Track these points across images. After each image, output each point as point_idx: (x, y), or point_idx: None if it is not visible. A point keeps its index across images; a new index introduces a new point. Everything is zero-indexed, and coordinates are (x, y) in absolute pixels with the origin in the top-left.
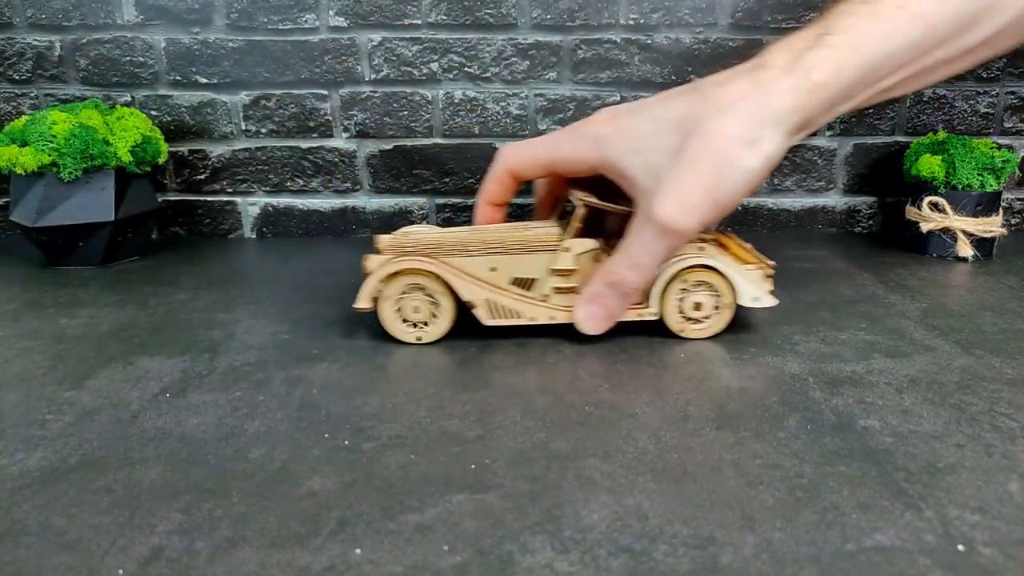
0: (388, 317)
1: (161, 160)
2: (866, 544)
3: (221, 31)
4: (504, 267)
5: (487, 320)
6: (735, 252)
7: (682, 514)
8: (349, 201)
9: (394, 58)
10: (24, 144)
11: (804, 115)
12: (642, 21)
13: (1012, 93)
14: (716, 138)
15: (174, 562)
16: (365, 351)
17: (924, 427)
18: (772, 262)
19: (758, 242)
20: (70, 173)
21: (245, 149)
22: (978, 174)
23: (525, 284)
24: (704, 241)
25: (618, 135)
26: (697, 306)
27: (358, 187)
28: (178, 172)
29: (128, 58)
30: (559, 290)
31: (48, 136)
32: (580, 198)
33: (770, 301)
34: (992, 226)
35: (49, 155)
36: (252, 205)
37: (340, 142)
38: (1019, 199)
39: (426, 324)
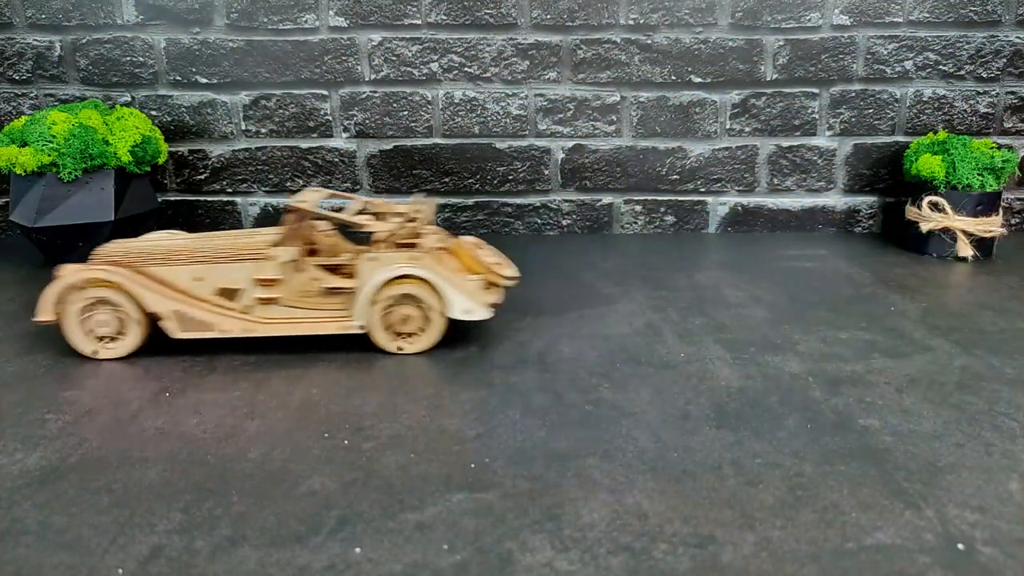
0: (71, 331)
1: (161, 160)
2: (866, 543)
3: (221, 31)
4: (210, 277)
5: (176, 333)
6: (465, 261)
7: (682, 513)
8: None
9: (394, 58)
10: (24, 144)
11: None
12: (642, 21)
13: (1012, 93)
14: None
15: (174, 561)
16: (365, 351)
17: (924, 426)
18: (508, 273)
19: (758, 242)
20: (70, 173)
21: (245, 149)
22: (978, 174)
23: (229, 294)
24: (427, 251)
25: None
26: (406, 319)
27: (358, 187)
28: (178, 172)
29: (128, 58)
30: (262, 301)
31: (48, 136)
32: (294, 202)
33: (483, 313)
34: (992, 226)
35: (49, 155)
36: (252, 205)
37: (340, 142)
38: (1019, 199)
39: (113, 339)
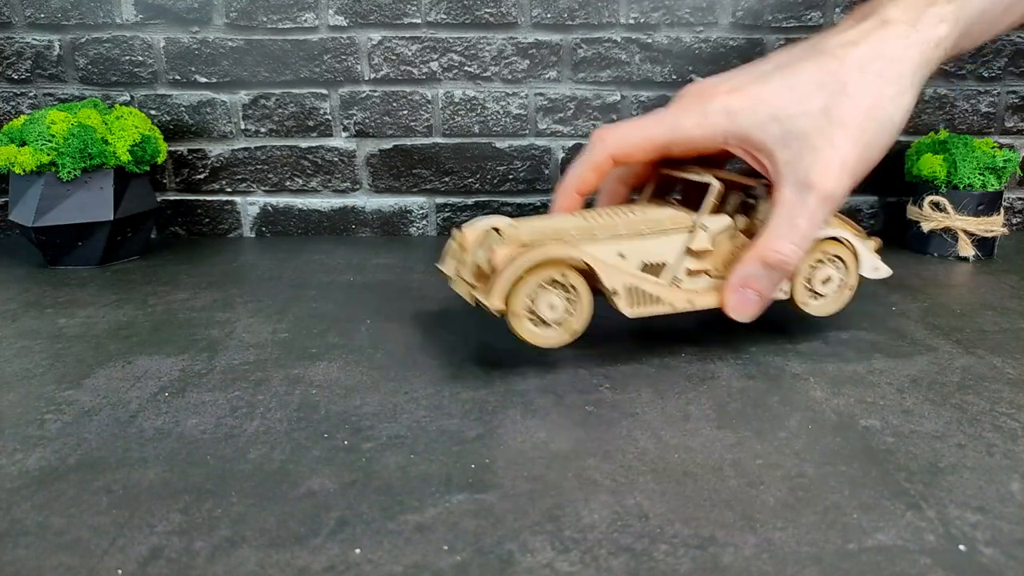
0: (516, 315)
1: (160, 159)
2: (867, 544)
3: (220, 30)
4: (633, 252)
5: (628, 310)
6: (842, 223)
7: (683, 514)
8: (349, 200)
9: (394, 57)
10: (23, 144)
11: (928, 68)
12: (642, 20)
13: (1013, 92)
14: (865, 98)
15: (173, 562)
16: (365, 351)
17: (925, 427)
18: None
19: None
20: (69, 172)
21: (244, 148)
22: (979, 173)
23: (654, 270)
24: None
25: (752, 105)
26: (827, 280)
27: (358, 186)
28: (177, 171)
29: (127, 57)
30: (690, 273)
31: (47, 136)
32: (714, 174)
33: (887, 271)
34: (993, 226)
35: (48, 155)
36: (251, 204)
37: (340, 141)
38: (1020, 199)
39: (558, 324)
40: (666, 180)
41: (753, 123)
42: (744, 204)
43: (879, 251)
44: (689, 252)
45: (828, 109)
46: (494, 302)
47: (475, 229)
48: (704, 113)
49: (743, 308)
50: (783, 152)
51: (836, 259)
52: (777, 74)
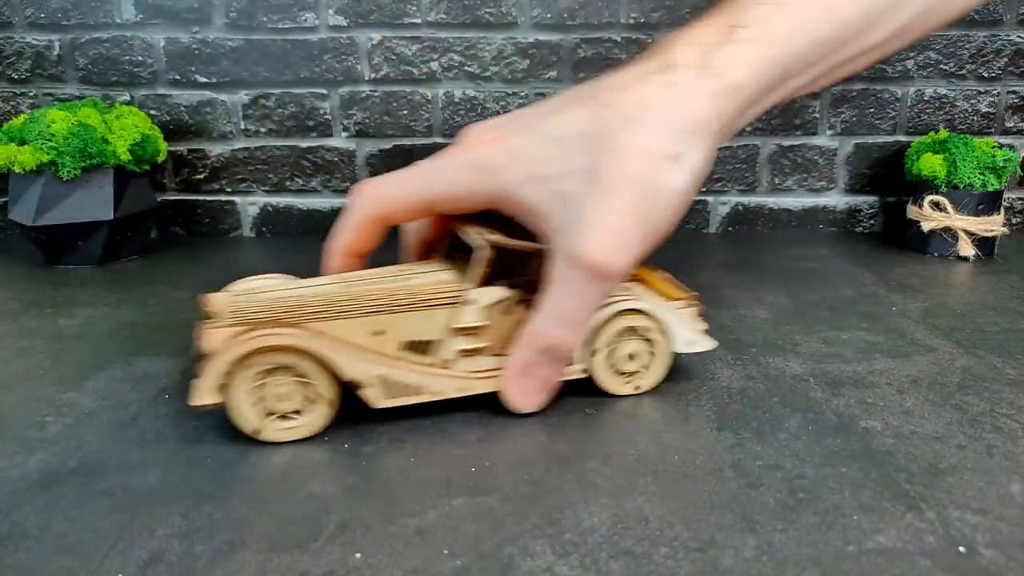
0: (242, 410)
1: (160, 159)
2: (867, 546)
3: (220, 30)
4: (393, 329)
5: (380, 402)
6: (658, 287)
7: (683, 516)
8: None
9: (394, 57)
10: (23, 143)
11: (723, 121)
12: (643, 20)
13: (1013, 92)
14: (633, 157)
15: (174, 566)
16: None
17: (925, 428)
18: (695, 295)
19: (759, 241)
20: (69, 172)
21: (244, 148)
22: (979, 173)
23: (420, 348)
24: (636, 279)
25: (511, 161)
26: (631, 357)
27: None
28: (177, 171)
29: (127, 57)
30: (465, 353)
31: (47, 135)
32: (484, 237)
33: (707, 344)
34: (993, 225)
35: (48, 154)
36: (251, 204)
37: (340, 141)
38: (1020, 198)
39: (298, 413)
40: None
41: (514, 183)
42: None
43: (701, 314)
44: (459, 330)
45: (594, 170)
46: (199, 398)
47: (224, 293)
48: (464, 167)
49: (525, 398)
50: (551, 217)
51: (630, 332)
52: (545, 123)
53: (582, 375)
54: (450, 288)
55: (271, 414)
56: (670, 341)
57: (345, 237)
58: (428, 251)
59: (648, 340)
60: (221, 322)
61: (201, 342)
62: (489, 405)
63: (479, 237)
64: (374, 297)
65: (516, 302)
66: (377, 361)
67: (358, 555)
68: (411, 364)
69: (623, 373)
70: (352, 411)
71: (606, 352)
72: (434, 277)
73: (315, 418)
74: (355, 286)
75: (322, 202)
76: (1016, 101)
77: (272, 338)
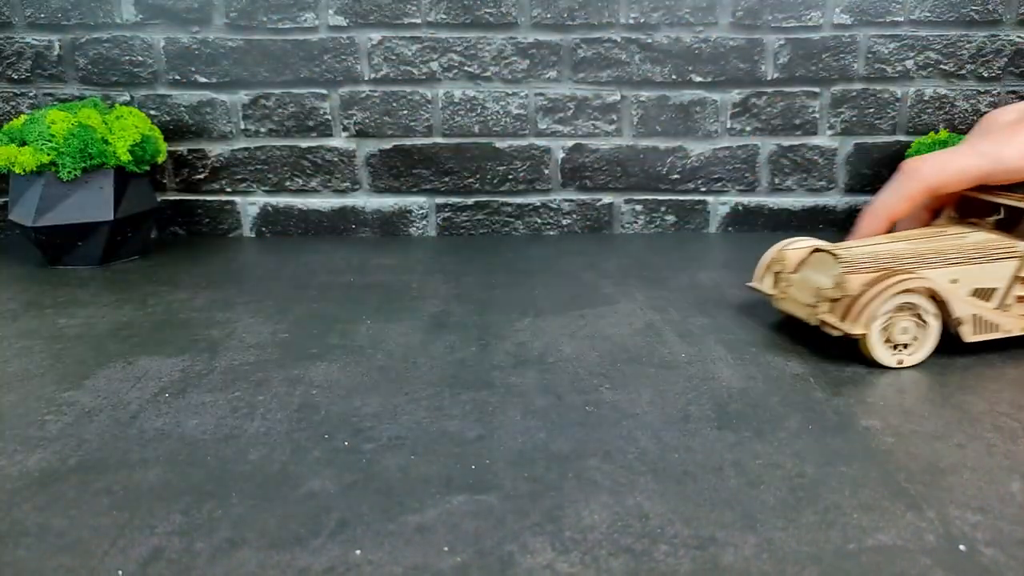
0: (875, 340)
1: (160, 159)
2: (867, 544)
3: (220, 30)
4: (965, 278)
5: (970, 336)
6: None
7: (683, 514)
8: (348, 200)
9: (393, 57)
10: (23, 143)
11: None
12: (642, 20)
13: (1013, 93)
14: None
15: (174, 563)
16: (365, 351)
17: (925, 427)
18: None
19: (759, 242)
20: (69, 172)
21: (244, 148)
22: None
23: (984, 295)
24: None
25: None
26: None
27: (357, 186)
28: (177, 171)
29: (127, 57)
30: (1020, 299)
31: (47, 135)
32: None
33: None
34: None
35: (48, 154)
36: (251, 204)
37: (339, 141)
38: None
39: (905, 347)
40: (969, 202)
41: None
42: None
43: None
44: (1018, 279)
45: None
46: (857, 328)
47: (795, 249)
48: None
49: None
50: None
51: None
52: None
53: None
54: (1006, 244)
55: (892, 345)
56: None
57: (896, 203)
58: (928, 220)
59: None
60: (858, 268)
61: (842, 285)
62: (488, 400)
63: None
64: (953, 251)
65: None
66: (971, 303)
67: (358, 552)
68: (984, 307)
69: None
70: (351, 408)
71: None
72: (983, 236)
73: (924, 351)
74: (930, 242)
75: (322, 202)
76: (1016, 101)
77: (916, 281)
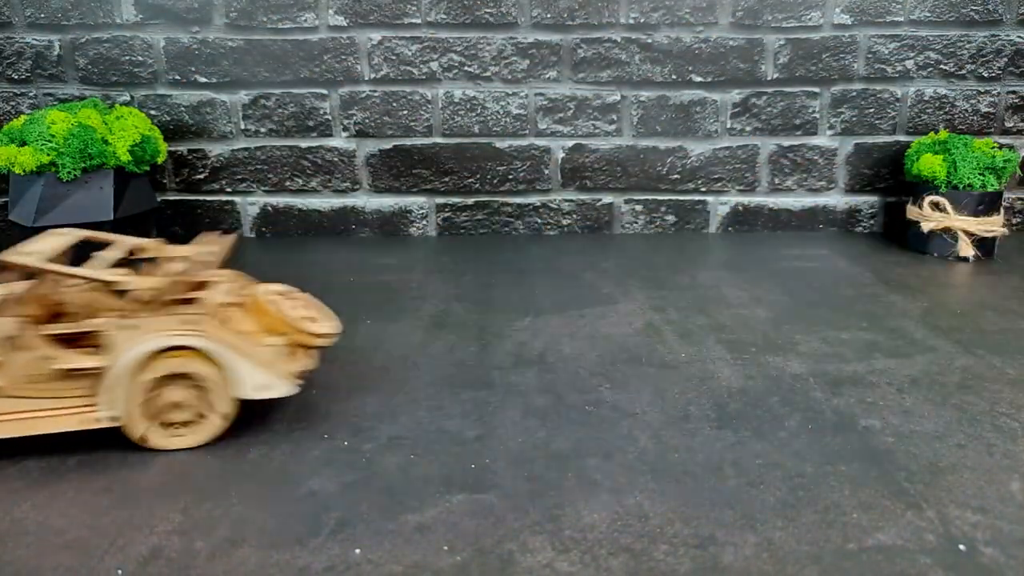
0: None
1: (160, 159)
2: (867, 543)
3: (220, 30)
4: None
5: None
6: (263, 318)
7: (683, 514)
8: (348, 200)
9: (393, 57)
10: (23, 144)
11: None
12: (642, 20)
13: (1013, 93)
14: None
15: (173, 562)
16: (365, 351)
17: (925, 427)
18: (321, 330)
19: (759, 242)
20: (69, 173)
21: (244, 148)
22: (979, 174)
23: None
24: (208, 310)
25: None
26: (175, 406)
27: (357, 186)
28: (177, 172)
29: (127, 57)
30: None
31: (47, 136)
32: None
33: (284, 388)
34: (993, 226)
35: (48, 155)
36: (251, 204)
37: (339, 141)
38: (1020, 199)
39: None
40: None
41: None
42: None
43: (306, 348)
44: None
45: None
46: None
47: None
48: None
49: None
50: None
51: (178, 376)
52: None
53: (112, 424)
54: None
55: None
56: (234, 385)
57: None
58: None
59: (201, 385)
60: None
61: None
62: (488, 400)
63: (10, 255)
64: None
65: (34, 338)
66: None
67: (358, 551)
68: None
69: (168, 424)
70: (350, 408)
71: (143, 398)
72: None
73: None
74: None
75: (322, 202)
76: (1016, 101)
77: None
